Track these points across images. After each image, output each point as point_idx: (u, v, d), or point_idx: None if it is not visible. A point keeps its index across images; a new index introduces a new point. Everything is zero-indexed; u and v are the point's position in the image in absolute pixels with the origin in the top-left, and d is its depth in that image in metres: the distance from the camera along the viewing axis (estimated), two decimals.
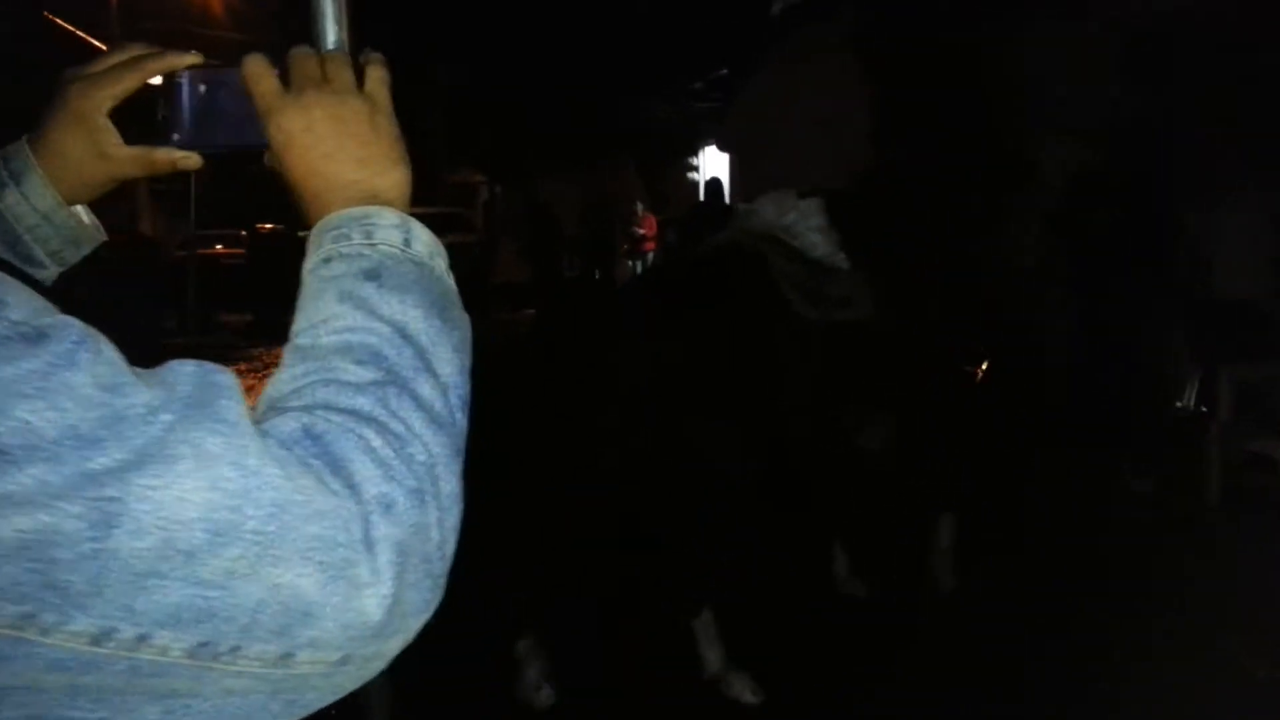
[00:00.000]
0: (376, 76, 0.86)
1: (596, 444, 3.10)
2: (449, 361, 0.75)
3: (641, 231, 16.41)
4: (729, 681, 3.30)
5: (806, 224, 3.46)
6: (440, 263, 0.81)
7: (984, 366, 7.54)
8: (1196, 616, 3.72)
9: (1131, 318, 5.60)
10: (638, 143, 18.44)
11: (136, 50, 0.94)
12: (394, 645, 0.65)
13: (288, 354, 0.73)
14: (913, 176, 3.89)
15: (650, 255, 15.51)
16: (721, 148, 4.26)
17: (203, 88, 0.93)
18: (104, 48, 1.01)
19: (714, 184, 11.43)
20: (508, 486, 2.96)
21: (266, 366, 11.16)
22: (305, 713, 0.64)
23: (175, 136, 0.93)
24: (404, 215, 0.81)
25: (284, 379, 0.71)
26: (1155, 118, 6.46)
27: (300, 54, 0.85)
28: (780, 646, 3.57)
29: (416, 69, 23.07)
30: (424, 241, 0.81)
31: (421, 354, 0.73)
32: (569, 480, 3.15)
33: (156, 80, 0.95)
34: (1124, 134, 6.05)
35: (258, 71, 0.83)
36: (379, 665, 0.65)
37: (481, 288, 15.90)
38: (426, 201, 21.95)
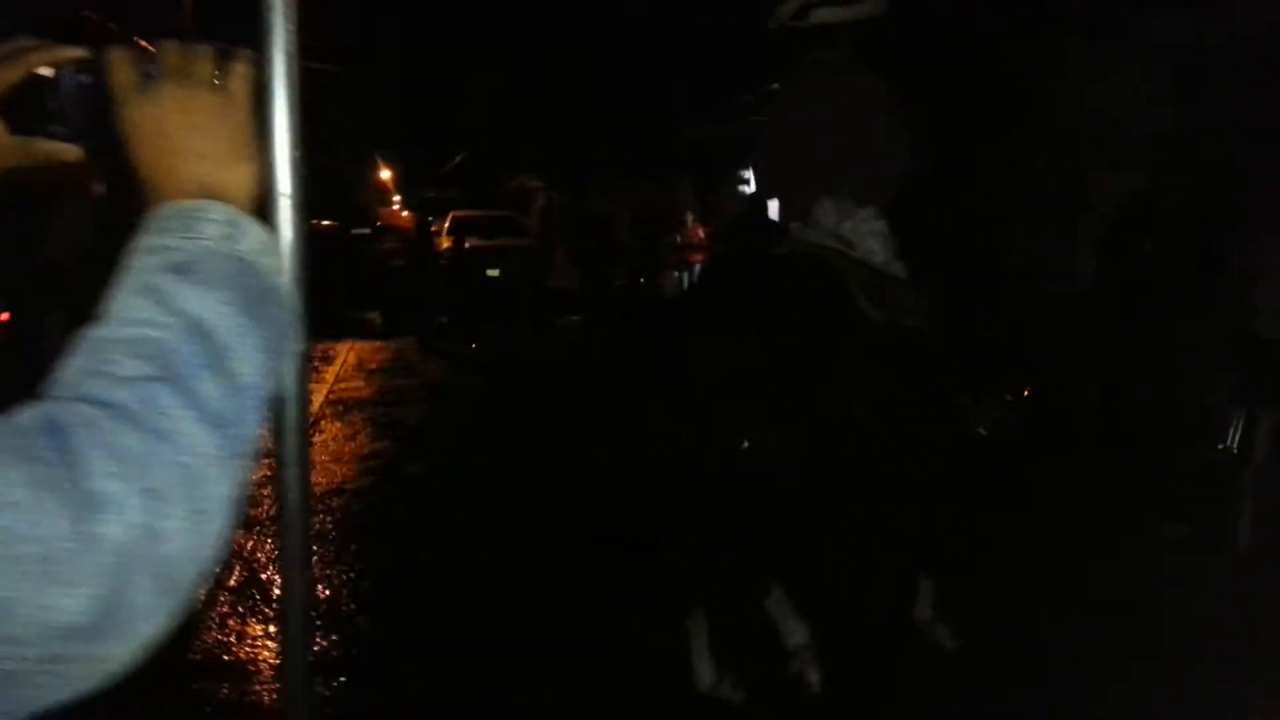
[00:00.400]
0: (239, 73, 0.86)
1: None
2: (250, 361, 0.73)
3: (690, 243, 16.47)
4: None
5: (865, 229, 3.50)
6: (269, 261, 0.81)
7: (1026, 394, 7.42)
8: (1208, 667, 3.60)
9: (1175, 355, 5.44)
10: (692, 156, 18.57)
11: (23, 43, 0.94)
12: (118, 649, 0.62)
13: (79, 343, 0.72)
14: (953, 190, 3.91)
15: (697, 267, 15.52)
16: (759, 189, 4.28)
17: (86, 79, 0.94)
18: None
19: (756, 197, 11.36)
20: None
21: (310, 360, 11.18)
22: (33, 710, 0.62)
23: (59, 129, 0.96)
24: (235, 211, 0.80)
25: (67, 368, 0.69)
26: (1205, 149, 6.30)
27: (165, 46, 0.85)
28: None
29: (476, 80, 23.53)
30: (253, 238, 0.80)
31: (215, 351, 0.71)
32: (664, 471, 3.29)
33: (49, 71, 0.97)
34: (1174, 165, 5.92)
35: (116, 63, 0.83)
36: (106, 668, 0.62)
37: (533, 291, 16.01)
38: (485, 204, 22.32)
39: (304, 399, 1.40)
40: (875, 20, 3.70)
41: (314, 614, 4.10)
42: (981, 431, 3.68)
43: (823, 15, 3.65)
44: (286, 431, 1.26)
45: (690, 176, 19.15)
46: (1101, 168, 7.11)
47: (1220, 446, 5.36)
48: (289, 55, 1.06)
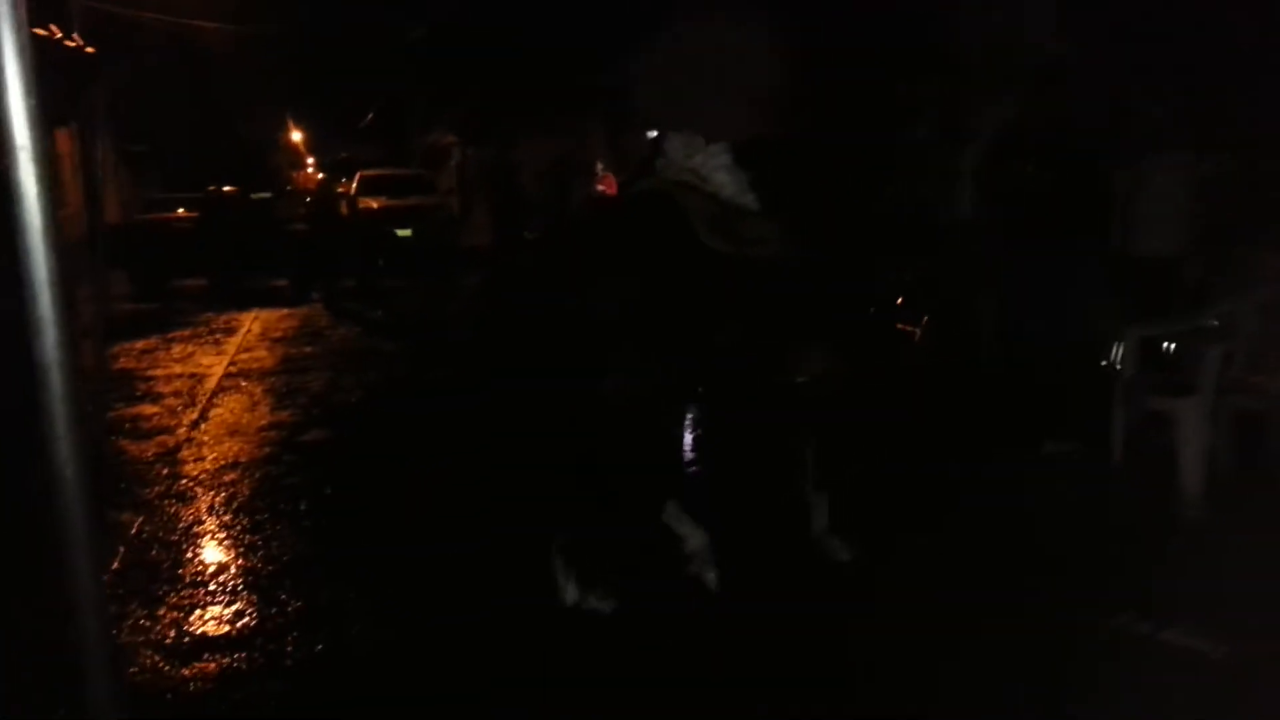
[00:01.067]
0: None
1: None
2: None
3: (601, 189, 16.32)
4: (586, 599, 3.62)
5: (713, 164, 3.64)
6: None
7: (922, 326, 7.54)
8: (1061, 579, 3.75)
9: (1056, 276, 5.53)
10: (605, 104, 18.33)
11: None
12: None
13: None
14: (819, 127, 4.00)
15: None
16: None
17: None
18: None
19: (654, 141, 11.34)
20: None
21: (211, 331, 11.04)
22: None
23: None
24: None
25: None
26: (1083, 74, 6.37)
27: None
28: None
29: (389, 30, 22.90)
30: None
31: None
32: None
33: None
34: (1052, 90, 5.96)
35: None
36: None
37: (447, 251, 15.80)
38: (396, 163, 21.90)
39: (69, 366, 1.34)
40: None
41: (202, 587, 4.07)
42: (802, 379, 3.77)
43: None
44: (52, 402, 1.21)
45: (604, 125, 18.92)
46: (983, 98, 7.15)
47: (1103, 364, 5.52)
48: (20, 42, 0.98)
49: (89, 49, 11.15)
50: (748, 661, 3.34)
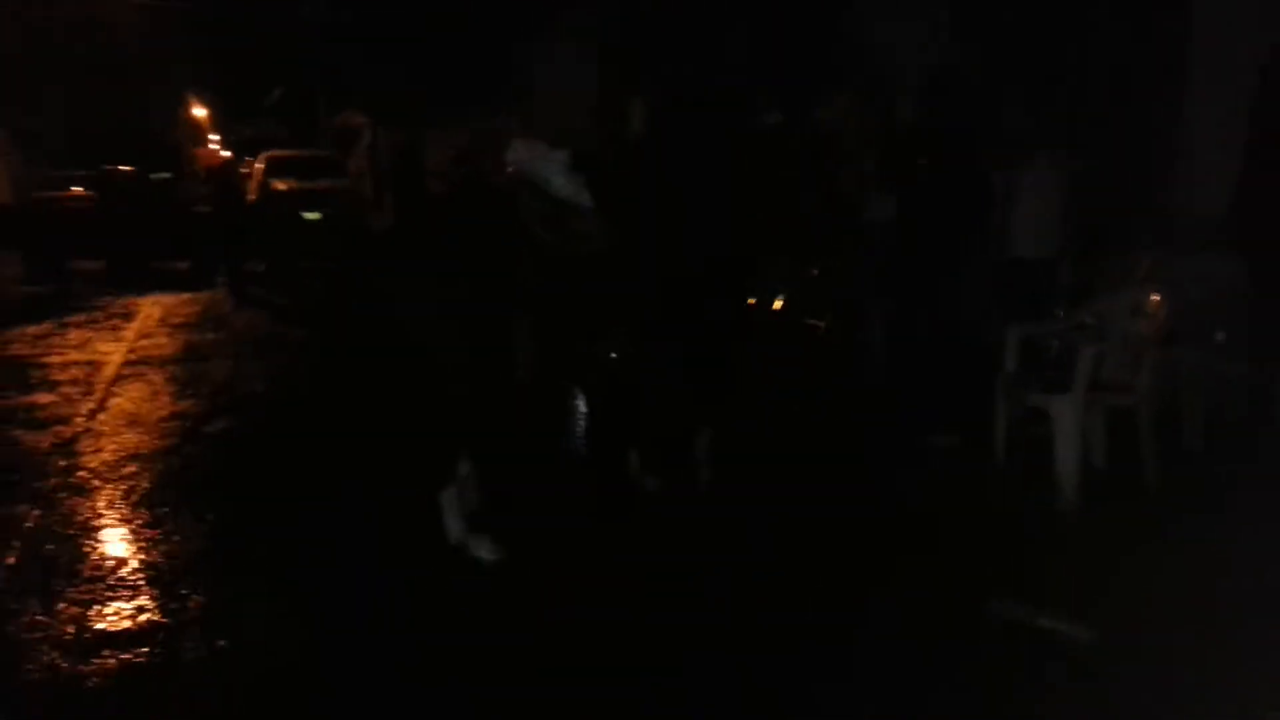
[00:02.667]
0: None
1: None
2: None
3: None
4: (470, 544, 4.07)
5: (550, 168, 4.15)
6: None
7: (825, 324, 7.76)
8: (940, 566, 3.97)
9: (941, 274, 5.77)
10: (518, 91, 18.19)
11: None
12: None
13: None
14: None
15: None
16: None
17: None
18: None
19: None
20: None
21: (109, 317, 10.77)
22: None
23: None
24: None
25: None
26: (967, 76, 6.63)
27: None
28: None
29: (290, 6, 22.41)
30: None
31: None
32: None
33: None
34: (942, 96, 6.19)
35: None
36: None
37: (357, 234, 15.53)
38: (305, 143, 21.44)
39: None
40: None
41: (101, 582, 4.04)
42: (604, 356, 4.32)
43: None
44: None
45: (519, 114, 18.78)
46: (885, 102, 7.38)
47: (988, 361, 5.77)
48: None
49: None
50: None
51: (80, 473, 5.41)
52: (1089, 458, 4.69)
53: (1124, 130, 7.08)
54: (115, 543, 4.49)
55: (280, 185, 15.79)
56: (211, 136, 32.04)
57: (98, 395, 7.08)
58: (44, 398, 7.07)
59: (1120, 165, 6.76)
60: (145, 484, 5.22)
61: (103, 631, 3.65)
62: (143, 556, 4.32)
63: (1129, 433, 4.76)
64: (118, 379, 7.64)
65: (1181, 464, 4.89)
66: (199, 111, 31.99)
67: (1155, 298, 4.73)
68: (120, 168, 15.03)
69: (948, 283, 5.65)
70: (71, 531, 4.61)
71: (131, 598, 3.92)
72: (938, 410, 5.46)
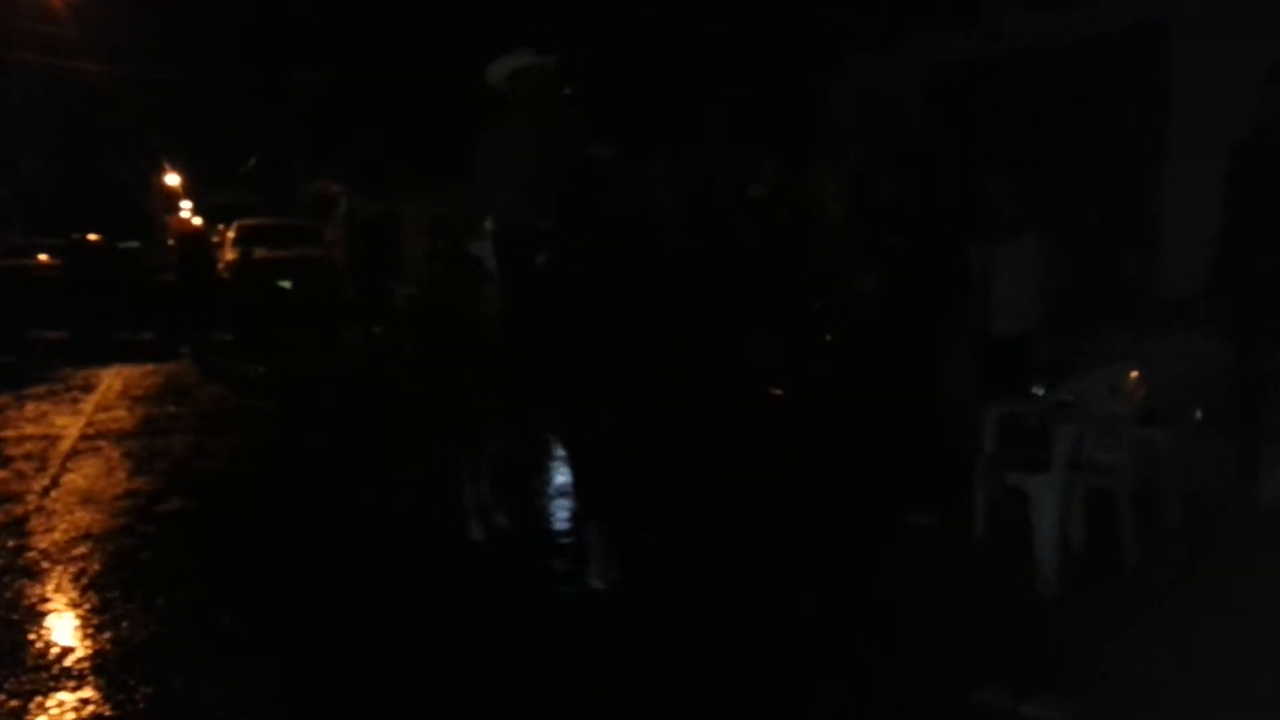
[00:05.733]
0: None
1: None
2: None
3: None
4: None
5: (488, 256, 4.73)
6: None
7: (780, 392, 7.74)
8: (923, 651, 3.84)
9: (925, 350, 5.74)
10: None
11: None
12: None
13: None
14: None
15: None
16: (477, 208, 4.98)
17: None
18: None
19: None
20: None
21: (69, 388, 10.55)
22: None
23: None
24: None
25: None
26: (949, 154, 6.70)
27: None
28: None
29: (276, 76, 22.55)
30: None
31: None
32: None
33: None
34: (919, 174, 6.24)
35: None
36: None
37: (330, 305, 15.42)
38: (280, 210, 21.41)
39: None
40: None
41: (45, 670, 3.84)
42: None
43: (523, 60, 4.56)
44: None
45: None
46: (868, 178, 7.45)
47: (966, 438, 5.71)
48: None
49: None
50: None
51: (29, 553, 5.20)
52: (1068, 538, 4.60)
53: (1101, 207, 7.15)
54: (62, 629, 4.29)
55: (255, 253, 15.70)
56: (184, 203, 32.03)
57: (51, 471, 6.87)
58: None
59: (1098, 242, 6.80)
60: (96, 566, 5.02)
61: None
62: (90, 644, 4.12)
63: (1108, 512, 4.69)
64: (73, 454, 7.43)
65: (1161, 543, 4.82)
66: (172, 179, 32.02)
67: (1134, 376, 4.69)
68: (88, 236, 14.87)
69: (925, 357, 5.63)
70: (16, 616, 4.41)
71: (76, 688, 3.73)
72: (915, 488, 5.38)
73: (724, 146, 10.62)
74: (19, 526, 5.65)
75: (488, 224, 4.77)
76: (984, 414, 5.01)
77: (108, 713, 3.55)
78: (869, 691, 3.59)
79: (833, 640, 4.02)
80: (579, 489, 4.87)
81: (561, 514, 5.72)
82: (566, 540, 5.26)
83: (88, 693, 3.69)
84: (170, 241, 17.65)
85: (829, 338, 8.05)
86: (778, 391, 7.71)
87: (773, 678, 3.71)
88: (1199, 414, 5.18)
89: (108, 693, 3.69)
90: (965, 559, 4.81)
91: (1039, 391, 5.53)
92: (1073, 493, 4.61)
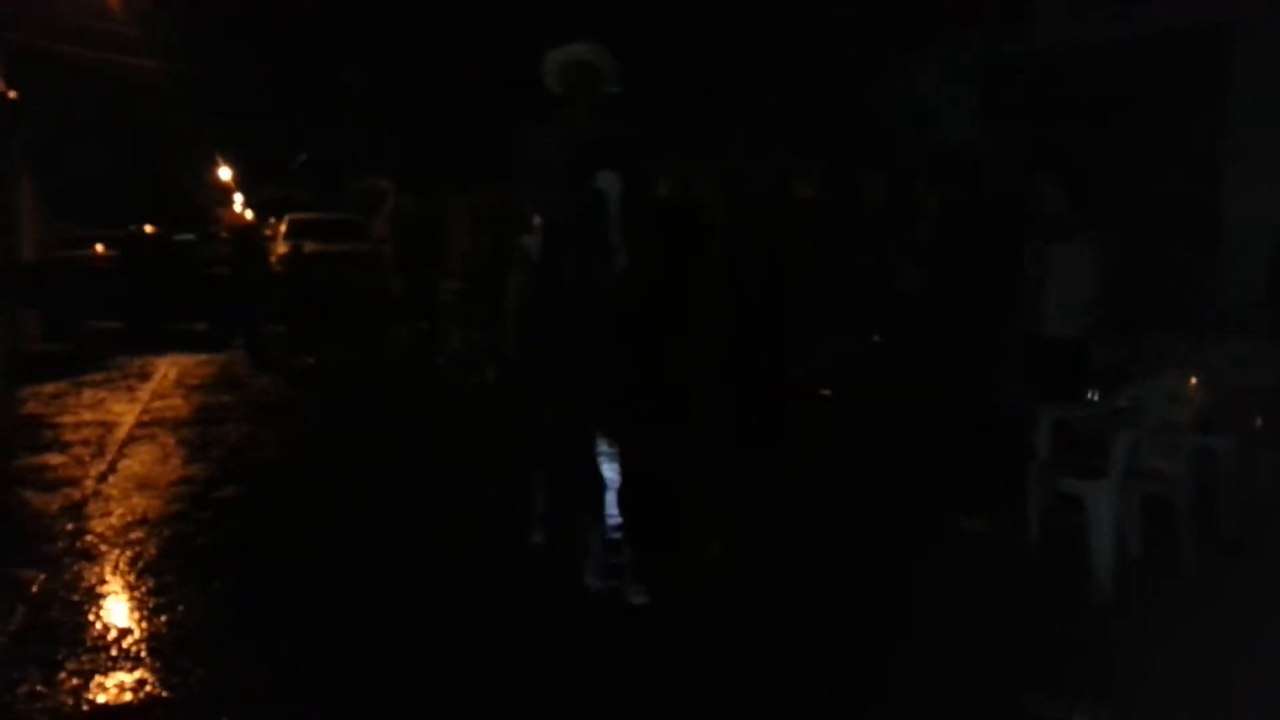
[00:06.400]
0: None
1: None
2: None
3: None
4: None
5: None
6: None
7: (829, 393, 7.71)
8: (992, 660, 3.80)
9: (969, 351, 5.68)
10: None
11: None
12: None
13: None
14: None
15: None
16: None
17: None
18: None
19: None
20: None
21: (125, 377, 10.75)
22: None
23: None
24: None
25: None
26: (999, 154, 6.63)
27: None
28: None
29: (328, 74, 22.78)
30: None
31: None
32: None
33: None
34: (978, 177, 6.18)
35: None
36: None
37: (377, 299, 15.56)
38: (329, 205, 21.66)
39: None
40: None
41: (103, 651, 3.92)
42: None
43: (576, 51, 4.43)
44: None
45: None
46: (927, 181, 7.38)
47: (1018, 442, 5.64)
48: None
49: (11, 94, 10.89)
50: None
51: (88, 537, 5.31)
52: (1124, 546, 4.54)
53: (1159, 210, 7.03)
54: (120, 611, 4.37)
55: (306, 248, 15.89)
56: (236, 197, 32.51)
57: (109, 457, 7.00)
58: (55, 459, 7.00)
59: (1155, 246, 6.69)
60: (152, 550, 5.11)
61: (103, 705, 3.52)
62: (147, 626, 4.19)
63: (1164, 520, 4.62)
64: (129, 441, 7.57)
65: (1219, 553, 4.74)
66: (225, 173, 32.48)
67: (1193, 382, 4.61)
68: (145, 228, 15.13)
69: (973, 359, 5.57)
70: (76, 598, 4.49)
71: (133, 669, 3.79)
72: (966, 492, 5.33)
73: (770, 148, 10.60)
74: (77, 511, 5.76)
75: (536, 220, 4.74)
76: (1038, 418, 4.95)
77: (164, 694, 3.61)
78: (921, 697, 3.56)
79: (883, 645, 3.99)
80: (622, 499, 4.82)
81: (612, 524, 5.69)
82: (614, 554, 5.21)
83: (144, 674, 3.75)
84: (223, 234, 17.85)
85: (877, 339, 7.99)
86: (826, 392, 7.68)
87: (823, 680, 3.70)
88: (1259, 422, 5.08)
89: (164, 675, 3.75)
90: (1018, 565, 4.75)
91: (1093, 396, 5.46)
92: (1129, 500, 4.54)
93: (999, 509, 5.15)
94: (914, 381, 6.34)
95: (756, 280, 7.24)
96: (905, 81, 9.05)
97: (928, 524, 5.30)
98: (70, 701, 3.53)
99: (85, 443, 7.49)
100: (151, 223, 14.88)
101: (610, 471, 5.69)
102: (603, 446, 5.38)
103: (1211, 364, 4.92)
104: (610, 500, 4.89)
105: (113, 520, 5.59)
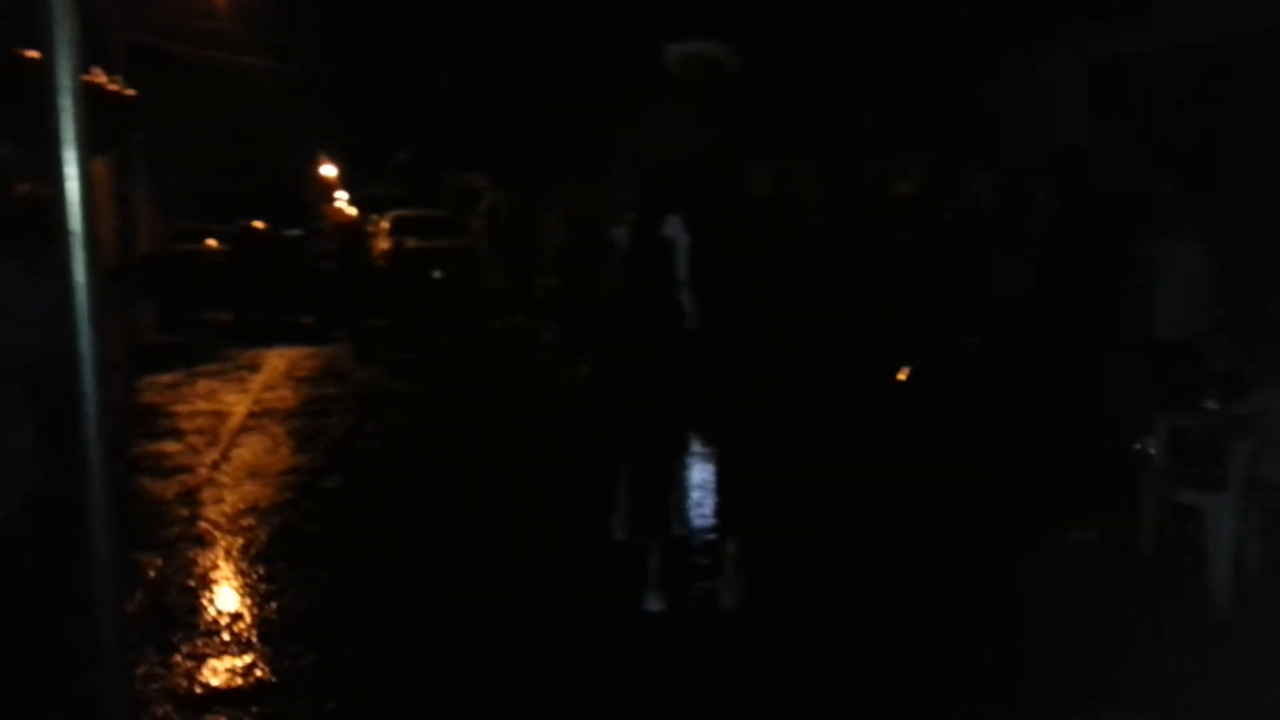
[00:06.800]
0: None
1: None
2: None
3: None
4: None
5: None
6: None
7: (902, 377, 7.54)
8: (1086, 674, 3.70)
9: (1089, 356, 5.51)
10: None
11: None
12: None
13: None
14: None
15: None
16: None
17: None
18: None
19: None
20: None
21: (236, 368, 11.10)
22: None
23: None
24: None
25: None
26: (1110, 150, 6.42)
27: None
28: None
29: (418, 73, 23.20)
30: None
31: None
32: None
33: None
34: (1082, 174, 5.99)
35: None
36: None
37: (476, 295, 15.81)
38: (427, 201, 22.03)
39: (105, 403, 1.35)
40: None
41: (216, 635, 4.06)
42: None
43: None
44: (88, 439, 1.22)
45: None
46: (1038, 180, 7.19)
47: (1135, 448, 5.45)
48: (74, 94, 1.04)
49: (129, 91, 11.33)
50: None
51: (201, 523, 5.50)
52: (1242, 561, 4.35)
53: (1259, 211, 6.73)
54: (231, 597, 4.52)
55: (408, 244, 16.22)
56: (339, 194, 33.27)
57: (222, 446, 7.25)
58: (171, 446, 7.27)
59: (1276, 246, 6.40)
60: (263, 537, 5.28)
61: (216, 688, 3.65)
62: (257, 611, 4.33)
63: None
64: (241, 430, 7.83)
65: None
66: (328, 170, 33.27)
67: None
68: (255, 224, 15.60)
69: (1080, 362, 5.39)
70: (191, 583, 4.66)
71: (244, 654, 3.92)
72: (1075, 501, 5.16)
73: (872, 144, 10.45)
74: (192, 497, 5.98)
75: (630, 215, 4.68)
76: (1154, 425, 4.78)
77: (273, 679, 3.72)
78: (1033, 709, 3.49)
79: (990, 660, 3.86)
80: (721, 499, 4.77)
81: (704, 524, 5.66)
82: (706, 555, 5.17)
83: (255, 658, 3.87)
84: (331, 232, 18.28)
85: (976, 340, 7.80)
86: (927, 393, 7.52)
87: (925, 692, 3.63)
88: None
89: (273, 660, 3.86)
90: (1131, 578, 4.58)
91: (1211, 404, 5.24)
92: (1249, 513, 4.36)
93: (1110, 519, 4.97)
94: (1019, 386, 6.19)
95: (847, 276, 7.15)
96: (1016, 78, 8.83)
97: (1036, 534, 5.12)
98: (185, 684, 3.67)
99: (199, 431, 7.76)
100: (260, 218, 15.33)
101: (703, 473, 5.69)
102: (697, 447, 5.37)
103: None
104: (694, 502, 4.87)
105: (225, 507, 5.79)
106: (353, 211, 24.17)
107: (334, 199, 32.42)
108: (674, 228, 4.08)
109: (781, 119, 9.11)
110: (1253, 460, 4.29)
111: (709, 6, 8.89)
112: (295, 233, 15.86)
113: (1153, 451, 5.04)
